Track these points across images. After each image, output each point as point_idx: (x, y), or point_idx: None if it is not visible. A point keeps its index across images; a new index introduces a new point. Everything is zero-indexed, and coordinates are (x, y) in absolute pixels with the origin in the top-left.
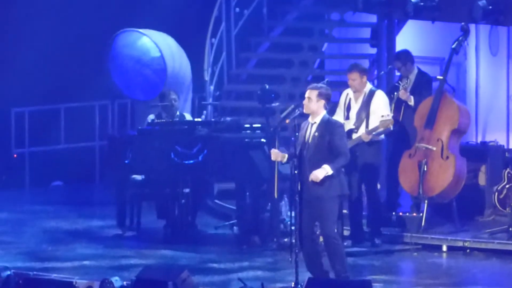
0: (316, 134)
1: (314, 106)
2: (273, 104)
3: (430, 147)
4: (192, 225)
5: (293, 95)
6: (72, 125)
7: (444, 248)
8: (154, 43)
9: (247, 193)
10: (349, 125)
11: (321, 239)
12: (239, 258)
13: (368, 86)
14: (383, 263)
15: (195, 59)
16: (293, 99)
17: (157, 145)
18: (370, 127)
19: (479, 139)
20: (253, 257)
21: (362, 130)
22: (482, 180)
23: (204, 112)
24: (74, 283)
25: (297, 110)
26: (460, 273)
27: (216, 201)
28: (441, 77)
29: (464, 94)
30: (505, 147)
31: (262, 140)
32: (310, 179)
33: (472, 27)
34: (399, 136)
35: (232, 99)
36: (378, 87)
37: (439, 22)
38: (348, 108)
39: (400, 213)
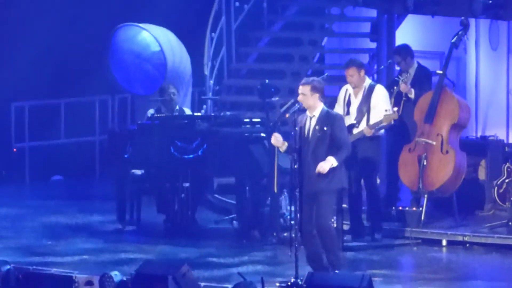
0: (317, 127)
1: (310, 101)
2: (273, 99)
3: (430, 141)
4: (192, 220)
5: (293, 89)
6: (72, 120)
7: (444, 243)
8: (154, 37)
9: (247, 188)
10: (350, 120)
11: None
12: (239, 252)
13: (368, 81)
14: (382, 258)
15: (195, 53)
16: (293, 93)
17: (156, 140)
18: (371, 121)
19: (479, 134)
20: (253, 252)
21: (363, 125)
22: (482, 174)
23: (204, 106)
24: (73, 278)
25: (297, 105)
26: (460, 268)
27: (216, 195)
28: (441, 72)
29: (464, 89)
30: (505, 141)
31: (262, 134)
32: (316, 171)
33: (472, 21)
34: (399, 131)
35: (232, 93)
36: (378, 81)
37: (439, 16)
38: (348, 104)
39: (400, 208)
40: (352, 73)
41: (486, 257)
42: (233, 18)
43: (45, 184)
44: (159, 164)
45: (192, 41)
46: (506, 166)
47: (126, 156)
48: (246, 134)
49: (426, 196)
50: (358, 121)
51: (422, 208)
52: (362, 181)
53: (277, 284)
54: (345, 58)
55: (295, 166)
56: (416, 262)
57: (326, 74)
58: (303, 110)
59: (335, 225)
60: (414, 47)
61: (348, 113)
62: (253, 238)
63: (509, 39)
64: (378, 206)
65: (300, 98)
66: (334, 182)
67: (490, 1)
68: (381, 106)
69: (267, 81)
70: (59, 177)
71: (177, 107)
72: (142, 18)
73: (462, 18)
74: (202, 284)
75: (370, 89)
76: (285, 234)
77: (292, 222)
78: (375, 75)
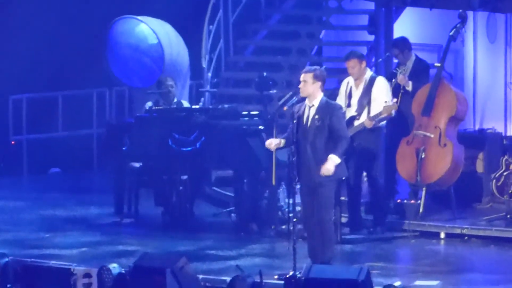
0: (316, 117)
1: (311, 89)
2: (271, 91)
3: (427, 134)
4: (190, 212)
5: (291, 82)
6: (70, 113)
7: (442, 235)
8: (151, 30)
9: (245, 180)
10: (351, 112)
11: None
12: (237, 245)
13: (369, 73)
14: (380, 250)
15: (193, 46)
16: (291, 86)
17: (155, 132)
18: (372, 113)
19: (477, 126)
20: (251, 244)
21: (364, 117)
22: (480, 167)
23: (202, 99)
24: (72, 270)
25: (295, 97)
26: (458, 260)
27: (214, 188)
28: (438, 64)
29: (462, 81)
30: (503, 134)
31: (260, 127)
32: (322, 174)
33: (470, 14)
34: (397, 123)
35: (229, 86)
36: (376, 74)
37: (437, 9)
38: (349, 96)
39: (398, 200)
40: (353, 65)
41: (484, 250)
42: (231, 10)
43: (43, 177)
44: (157, 156)
45: (190, 34)
46: (504, 159)
47: (124, 148)
48: (244, 127)
49: (424, 189)
50: (359, 113)
51: (420, 201)
52: (364, 174)
53: (275, 277)
54: (343, 51)
55: (293, 159)
56: (414, 254)
57: (324, 66)
58: (301, 102)
59: (344, 220)
60: (412, 39)
61: (349, 105)
62: (251, 231)
63: (507, 32)
64: (380, 199)
65: (301, 85)
66: (333, 173)
67: None
68: (381, 98)
69: (265, 73)
70: (57, 169)
71: (175, 100)
72: (140, 10)
73: (460, 11)
74: (200, 276)
75: (371, 81)
76: (283, 227)
77: (290, 215)
78: (373, 68)
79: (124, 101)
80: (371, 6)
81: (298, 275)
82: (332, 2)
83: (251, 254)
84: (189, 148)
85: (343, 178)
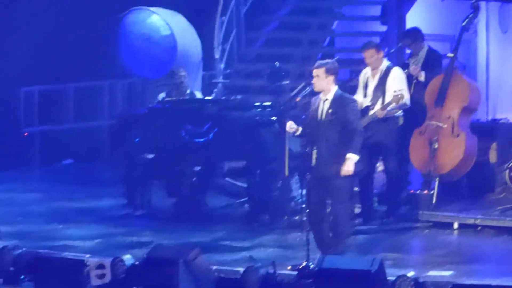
0: (330, 110)
1: (324, 83)
2: (283, 82)
3: (440, 124)
4: (202, 204)
5: (303, 73)
6: (82, 104)
7: (455, 226)
8: (164, 21)
9: (258, 171)
10: (366, 102)
11: None
12: (249, 236)
13: (385, 63)
14: (393, 241)
15: (205, 37)
16: (303, 77)
17: (167, 124)
18: (386, 103)
19: (490, 117)
20: (263, 235)
21: (378, 106)
22: (492, 157)
23: (214, 90)
24: (85, 262)
25: (307, 88)
26: (471, 251)
27: (227, 179)
28: (451, 55)
29: (474, 72)
30: None
31: (272, 118)
32: (343, 175)
33: (482, 4)
34: (410, 114)
35: (242, 77)
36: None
37: None
38: (366, 86)
39: (411, 191)
40: (370, 55)
41: (497, 240)
42: (243, 2)
43: (55, 169)
44: (169, 148)
45: (202, 25)
46: None
47: (136, 140)
48: (256, 118)
49: (437, 179)
50: (374, 103)
51: (433, 191)
52: (378, 164)
53: (289, 268)
54: (355, 42)
55: (306, 150)
56: (427, 245)
57: (336, 57)
58: (313, 94)
59: (357, 211)
60: (424, 30)
61: (365, 95)
62: (264, 222)
63: None
64: (395, 190)
65: (314, 80)
66: None
67: None
68: (395, 88)
69: (277, 64)
70: (69, 161)
71: (188, 91)
72: (152, 1)
73: (473, 1)
74: (213, 267)
75: (387, 71)
76: (296, 218)
77: (303, 205)
78: (385, 58)
79: (136, 92)
80: None
81: (311, 266)
82: None
83: (264, 245)
84: (202, 140)
85: (360, 169)
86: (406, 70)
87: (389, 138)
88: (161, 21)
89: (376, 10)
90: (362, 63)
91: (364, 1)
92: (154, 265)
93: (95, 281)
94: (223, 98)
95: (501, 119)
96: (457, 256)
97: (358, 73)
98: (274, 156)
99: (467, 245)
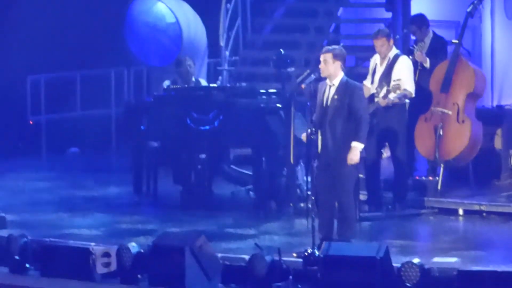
0: (336, 96)
1: (332, 68)
2: (289, 69)
3: (446, 111)
4: (208, 191)
5: (309, 60)
6: (88, 92)
7: (461, 212)
8: (169, 9)
9: (263, 159)
10: (372, 89)
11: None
12: (255, 223)
13: (394, 51)
14: (399, 227)
15: (210, 24)
16: (309, 64)
17: (173, 111)
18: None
19: (495, 103)
20: (269, 222)
21: (382, 94)
22: (498, 143)
23: (220, 77)
24: (91, 250)
25: (312, 75)
26: (476, 237)
27: (232, 166)
28: (456, 41)
29: (480, 58)
30: None
31: (278, 105)
32: (349, 163)
33: None
34: (415, 100)
35: (248, 64)
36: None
37: None
38: (373, 73)
39: (417, 177)
40: (381, 43)
41: (503, 226)
42: None
43: (62, 157)
44: (175, 135)
45: (207, 12)
46: None
47: (142, 128)
48: (262, 105)
49: (442, 165)
50: (379, 91)
51: (439, 177)
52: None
53: (294, 255)
54: (360, 28)
55: (312, 137)
56: (432, 231)
57: (341, 44)
58: (319, 80)
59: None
60: (430, 16)
61: (372, 82)
62: (270, 209)
63: None
64: (402, 177)
65: (321, 66)
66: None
67: None
68: (395, 76)
69: (282, 51)
70: (75, 149)
71: (193, 79)
72: None
73: None
74: (219, 255)
75: (394, 59)
76: (302, 205)
77: (309, 192)
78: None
79: (142, 80)
80: None
81: (317, 253)
82: None
83: (270, 232)
84: (207, 127)
85: (362, 156)
86: (411, 57)
87: (395, 125)
88: (166, 9)
89: None
90: (367, 50)
91: None
92: (160, 253)
93: (100, 269)
94: (228, 85)
95: (506, 105)
96: (462, 243)
97: (363, 60)
98: (280, 143)
99: (473, 232)
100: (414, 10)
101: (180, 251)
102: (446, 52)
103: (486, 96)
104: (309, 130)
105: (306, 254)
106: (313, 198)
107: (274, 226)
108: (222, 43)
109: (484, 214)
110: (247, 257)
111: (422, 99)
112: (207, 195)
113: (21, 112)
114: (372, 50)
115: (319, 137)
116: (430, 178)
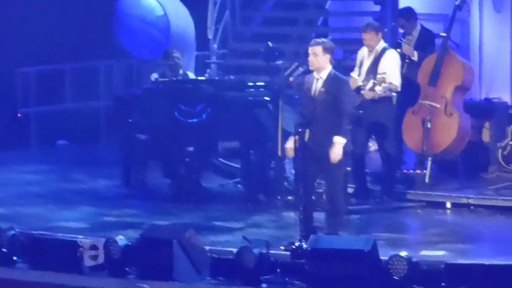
0: (323, 89)
1: (321, 61)
2: (278, 62)
3: (434, 104)
4: (197, 184)
5: (298, 53)
6: (77, 85)
7: (449, 205)
8: (158, 2)
9: (252, 151)
10: (359, 81)
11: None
12: (243, 216)
13: (381, 44)
14: (387, 221)
15: (198, 17)
16: (298, 57)
17: (161, 104)
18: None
19: (483, 96)
20: (257, 215)
21: (368, 87)
22: (486, 136)
23: (208, 70)
24: (78, 242)
25: (300, 68)
26: (464, 230)
27: (221, 159)
28: (444, 34)
29: (468, 51)
30: (509, 103)
31: (266, 98)
32: (332, 161)
33: None
34: (402, 94)
35: (236, 57)
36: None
37: None
38: (361, 65)
39: (404, 170)
40: (370, 37)
41: (490, 219)
42: None
43: (51, 149)
44: (163, 128)
45: (195, 4)
46: (510, 128)
47: (130, 120)
48: (250, 98)
49: (430, 158)
50: (365, 83)
51: (427, 170)
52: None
53: (282, 248)
54: (349, 21)
55: (299, 130)
56: (420, 224)
57: (329, 37)
58: (307, 73)
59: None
60: (418, 9)
61: (359, 74)
62: (258, 202)
63: None
64: (390, 170)
65: (310, 58)
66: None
67: None
68: (380, 70)
69: (270, 44)
70: (64, 142)
71: (181, 71)
72: None
73: None
74: (207, 248)
75: (382, 53)
76: (290, 198)
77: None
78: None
79: (132, 73)
80: None
81: (305, 246)
82: None
83: (258, 225)
84: (196, 120)
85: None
86: (399, 50)
87: (383, 118)
88: (155, 1)
89: None
90: (355, 43)
91: None
92: (148, 246)
93: (88, 262)
94: (216, 78)
95: (494, 98)
96: (450, 236)
97: (351, 52)
98: (268, 136)
99: (461, 225)
100: (402, 3)
101: (168, 243)
102: (434, 45)
103: (474, 89)
104: (296, 137)
105: (293, 247)
106: (298, 187)
107: (262, 219)
108: (210, 36)
109: (472, 207)
110: (235, 250)
111: (410, 92)
112: (196, 188)
113: (10, 105)
114: (360, 43)
115: (307, 130)
116: (418, 171)
